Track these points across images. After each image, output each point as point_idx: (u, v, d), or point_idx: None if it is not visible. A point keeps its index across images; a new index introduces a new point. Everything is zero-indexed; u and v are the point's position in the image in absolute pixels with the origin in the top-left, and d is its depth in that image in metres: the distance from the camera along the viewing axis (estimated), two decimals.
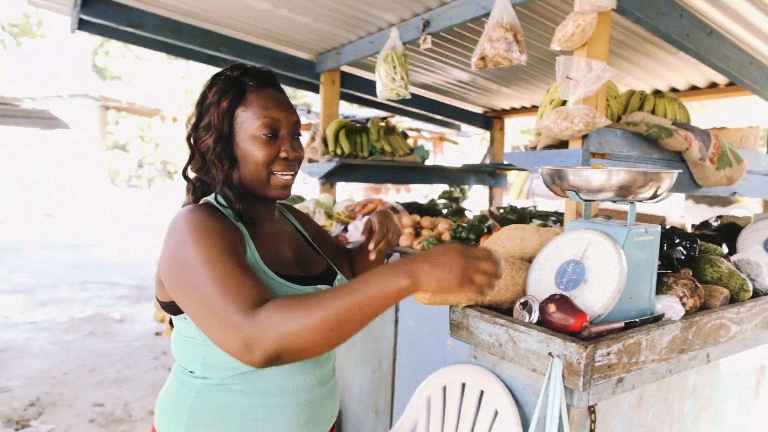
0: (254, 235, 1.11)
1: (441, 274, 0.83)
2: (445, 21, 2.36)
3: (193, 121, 1.13)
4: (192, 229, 0.96)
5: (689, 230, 2.73)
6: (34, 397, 3.66)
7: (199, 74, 20.51)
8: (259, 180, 1.11)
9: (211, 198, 1.12)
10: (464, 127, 5.25)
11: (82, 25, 3.17)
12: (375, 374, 2.49)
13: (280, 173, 1.12)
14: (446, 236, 2.32)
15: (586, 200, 1.27)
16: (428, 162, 4.12)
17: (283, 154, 1.11)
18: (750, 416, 2.33)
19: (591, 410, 1.61)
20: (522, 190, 12.41)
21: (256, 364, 0.85)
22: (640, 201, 1.24)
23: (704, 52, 2.01)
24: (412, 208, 3.11)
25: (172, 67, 21.33)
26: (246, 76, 1.12)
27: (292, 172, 1.15)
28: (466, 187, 4.01)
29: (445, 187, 3.82)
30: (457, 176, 4.14)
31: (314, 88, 3.84)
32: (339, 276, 1.26)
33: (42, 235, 11.77)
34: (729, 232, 2.25)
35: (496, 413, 1.74)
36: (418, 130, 6.48)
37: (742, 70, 2.20)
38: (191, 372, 1.09)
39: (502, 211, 2.92)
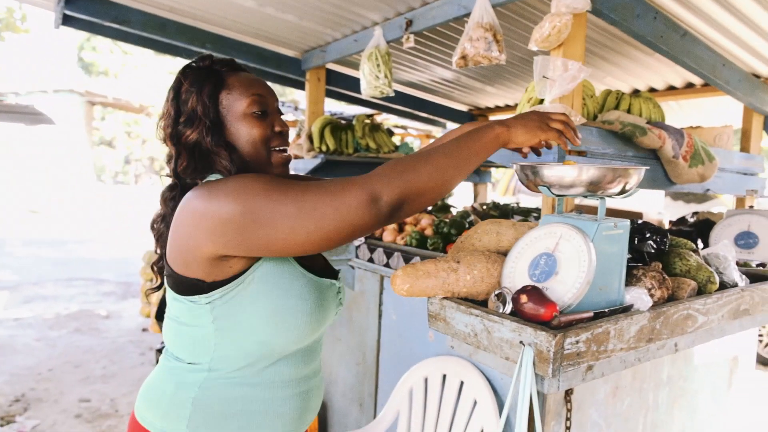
0: None
1: (525, 123, 1.10)
2: (428, 20, 2.40)
3: (168, 119, 1.09)
4: (233, 181, 0.94)
5: (667, 226, 2.80)
6: (19, 393, 3.67)
7: None
8: (260, 159, 1.11)
9: (215, 178, 1.07)
10: (450, 124, 5.31)
11: (67, 20, 3.16)
12: (359, 367, 2.54)
13: (278, 148, 1.12)
14: (429, 231, 2.36)
15: (558, 195, 1.31)
16: None
17: (277, 128, 1.12)
18: (723, 406, 2.40)
19: (567, 399, 1.67)
20: (508, 186, 12.52)
21: (382, 215, 0.91)
22: (610, 196, 1.28)
23: (678, 54, 2.07)
24: None
25: (160, 63, 21.19)
26: (217, 64, 1.13)
27: (288, 147, 1.16)
28: None
29: None
30: None
31: (300, 86, 3.87)
32: (341, 271, 1.29)
33: (26, 231, 11.67)
34: (704, 227, 2.32)
35: (475, 402, 1.80)
36: (404, 128, 6.54)
37: (715, 71, 2.26)
38: (193, 363, 1.06)
39: (485, 207, 2.97)
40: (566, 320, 1.14)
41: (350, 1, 2.62)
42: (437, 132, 6.61)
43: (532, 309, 1.15)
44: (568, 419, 1.68)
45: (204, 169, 1.08)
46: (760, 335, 4.96)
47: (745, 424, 2.56)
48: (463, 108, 4.79)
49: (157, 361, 1.39)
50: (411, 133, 6.88)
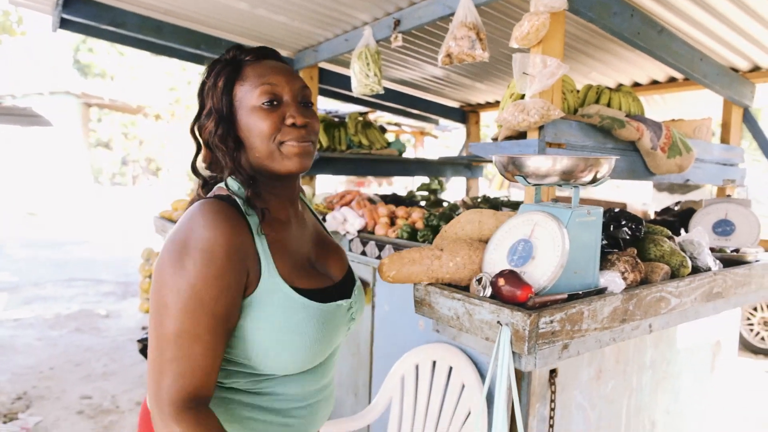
0: (272, 235, 1.02)
1: None
2: (415, 20, 2.47)
3: (196, 113, 1.07)
4: (196, 254, 0.89)
5: (652, 216, 2.88)
6: (21, 391, 3.73)
7: (182, 71, 20.43)
8: (269, 155, 1.01)
9: (224, 186, 1.04)
10: (443, 121, 5.38)
11: (64, 24, 3.23)
12: (354, 358, 2.61)
13: (290, 143, 1.01)
14: (419, 224, 2.43)
15: (534, 184, 1.39)
16: (408, 155, 4.25)
17: (289, 121, 1.01)
18: (706, 390, 2.48)
19: (551, 382, 1.75)
20: (503, 181, 12.60)
21: None
22: (583, 185, 1.36)
23: (655, 49, 2.14)
24: (390, 199, 3.22)
25: (155, 63, 21.21)
26: (243, 54, 1.06)
27: (306, 142, 1.03)
28: (443, 179, 4.14)
29: (426, 180, 3.96)
30: (435, 168, 4.27)
31: None
32: (357, 283, 1.22)
33: (25, 233, 11.71)
34: (687, 216, 2.40)
35: (463, 386, 1.87)
36: (398, 125, 6.61)
37: (693, 66, 2.33)
38: None
39: (476, 201, 3.04)
40: (541, 301, 1.22)
41: (339, 2, 2.68)
42: (431, 129, 6.68)
43: (509, 291, 1.22)
44: (552, 401, 1.76)
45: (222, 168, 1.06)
46: (751, 323, 5.05)
47: (728, 407, 2.64)
48: (455, 104, 4.86)
49: (140, 351, 1.40)
50: (405, 130, 6.96)
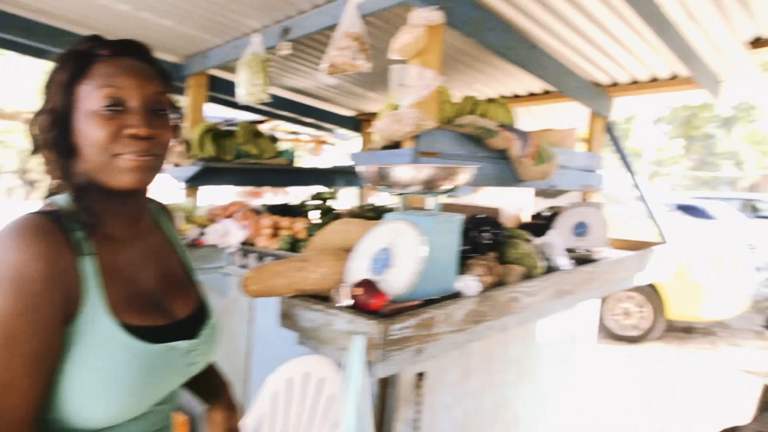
0: (104, 257, 0.90)
1: None
2: (303, 29, 2.46)
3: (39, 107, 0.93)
4: (5, 283, 0.77)
5: (527, 220, 3.06)
6: None
7: None
8: (101, 167, 0.88)
9: (58, 199, 0.91)
10: (339, 130, 5.40)
11: None
12: (227, 376, 2.49)
13: (127, 156, 0.88)
14: (302, 235, 2.42)
15: (398, 194, 1.42)
16: (305, 164, 4.19)
17: (128, 131, 0.88)
18: (563, 380, 2.64)
19: (418, 385, 1.78)
20: None
21: None
22: (444, 193, 1.41)
23: (527, 64, 2.28)
24: (278, 209, 3.16)
25: (32, 64, 19.54)
26: (98, 47, 0.92)
27: (148, 156, 0.90)
28: (336, 188, 4.12)
29: (322, 189, 3.92)
30: (328, 177, 4.22)
31: (182, 92, 3.78)
32: (211, 321, 1.05)
33: None
34: (556, 219, 2.57)
35: (332, 397, 1.85)
36: (296, 134, 6.55)
37: (560, 80, 2.51)
38: None
39: (364, 209, 3.05)
40: (395, 308, 1.24)
41: (227, 8, 2.61)
42: (329, 138, 6.69)
43: (364, 300, 1.24)
44: (418, 403, 1.78)
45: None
46: (616, 314, 5.57)
47: (586, 390, 2.84)
48: (350, 113, 4.89)
49: None
50: (302, 140, 6.92)
